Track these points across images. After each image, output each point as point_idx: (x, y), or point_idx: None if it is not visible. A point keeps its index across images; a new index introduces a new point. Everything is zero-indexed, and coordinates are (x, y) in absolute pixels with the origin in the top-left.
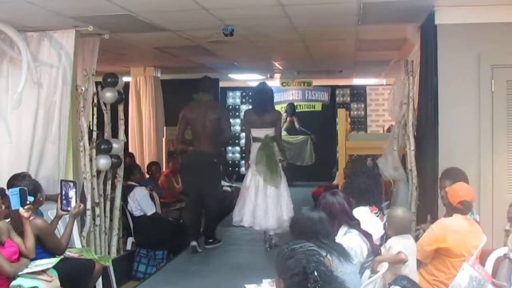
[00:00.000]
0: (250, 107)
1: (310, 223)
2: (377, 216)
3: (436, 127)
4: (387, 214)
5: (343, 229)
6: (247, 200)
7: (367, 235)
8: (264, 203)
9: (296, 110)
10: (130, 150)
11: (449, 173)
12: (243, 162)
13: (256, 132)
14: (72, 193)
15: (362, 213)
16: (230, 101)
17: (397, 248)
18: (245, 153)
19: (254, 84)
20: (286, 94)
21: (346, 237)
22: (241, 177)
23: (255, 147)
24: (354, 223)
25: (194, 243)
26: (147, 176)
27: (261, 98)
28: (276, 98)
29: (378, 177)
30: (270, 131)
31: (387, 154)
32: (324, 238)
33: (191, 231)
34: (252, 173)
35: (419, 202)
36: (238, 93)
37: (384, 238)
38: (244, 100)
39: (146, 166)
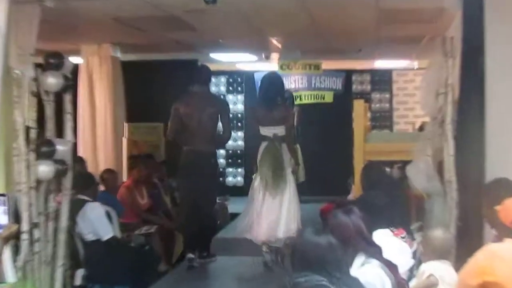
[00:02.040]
0: (257, 101)
1: (316, 250)
2: (405, 242)
3: (483, 125)
4: (424, 237)
5: (360, 259)
6: (251, 207)
7: (391, 267)
8: (267, 212)
9: (297, 102)
10: (80, 154)
11: (498, 185)
12: (229, 169)
13: (264, 131)
14: (1, 210)
15: (382, 237)
16: (212, 89)
17: (429, 272)
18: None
19: (244, 67)
20: (286, 81)
21: (363, 269)
22: (227, 190)
23: (262, 147)
24: (374, 251)
25: (191, 255)
26: (103, 188)
27: (270, 90)
28: None
29: (406, 191)
30: (279, 130)
31: (418, 160)
32: (335, 270)
33: (187, 242)
34: (257, 175)
35: (460, 223)
36: (223, 79)
37: (415, 267)
38: (231, 88)
39: (100, 176)
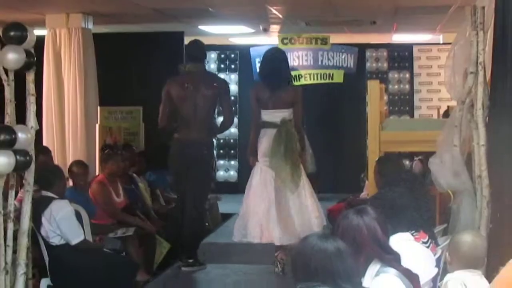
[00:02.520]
0: (258, 80)
1: (323, 257)
2: (428, 247)
3: None
4: (450, 242)
5: (374, 267)
6: (252, 205)
7: (410, 276)
8: (279, 209)
9: (301, 83)
10: (45, 144)
11: None
12: (221, 162)
13: (268, 115)
14: None
15: (401, 242)
16: None
17: (455, 285)
18: (250, 142)
19: (238, 41)
20: (288, 58)
21: (378, 280)
22: (218, 186)
23: (267, 135)
24: (390, 258)
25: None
26: (71, 184)
27: (274, 68)
28: None
29: (428, 188)
30: (287, 113)
31: (443, 151)
32: (344, 280)
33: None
34: (262, 168)
35: (492, 225)
36: (213, 55)
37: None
38: (223, 65)
39: (68, 169)
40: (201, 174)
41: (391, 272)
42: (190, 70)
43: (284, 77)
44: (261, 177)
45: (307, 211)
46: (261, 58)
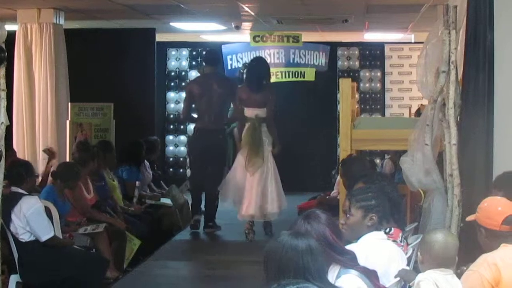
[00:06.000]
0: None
1: (294, 255)
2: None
3: (491, 109)
4: (422, 241)
5: (334, 269)
6: (231, 178)
7: (369, 274)
8: (248, 186)
9: (272, 80)
10: (15, 139)
11: (502, 180)
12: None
13: (247, 112)
14: None
15: (375, 241)
16: (172, 64)
17: (427, 285)
18: (238, 133)
19: (209, 38)
20: (259, 55)
21: (341, 282)
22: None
23: (245, 127)
24: (346, 259)
25: (197, 217)
26: (40, 179)
27: (256, 74)
28: (244, 60)
29: (400, 187)
30: (261, 111)
31: (415, 150)
32: (316, 278)
33: (194, 207)
34: (239, 152)
35: (462, 224)
36: (185, 52)
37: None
38: (194, 63)
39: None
40: (218, 155)
41: (353, 272)
42: (207, 72)
43: (261, 82)
44: (238, 160)
45: (269, 192)
46: (247, 66)
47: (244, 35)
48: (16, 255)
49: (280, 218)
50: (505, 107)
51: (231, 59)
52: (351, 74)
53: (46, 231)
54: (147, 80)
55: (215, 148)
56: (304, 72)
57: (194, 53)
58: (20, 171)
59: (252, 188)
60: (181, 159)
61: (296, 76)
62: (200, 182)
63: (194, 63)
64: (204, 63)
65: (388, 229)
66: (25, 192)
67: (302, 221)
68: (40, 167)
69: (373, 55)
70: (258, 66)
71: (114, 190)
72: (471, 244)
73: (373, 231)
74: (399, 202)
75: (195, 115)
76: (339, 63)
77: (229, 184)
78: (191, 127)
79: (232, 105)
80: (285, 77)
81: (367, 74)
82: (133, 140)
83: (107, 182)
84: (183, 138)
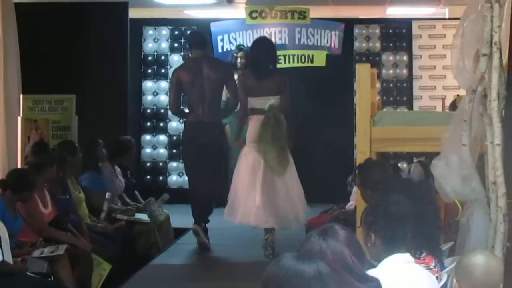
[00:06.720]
0: (247, 68)
1: (299, 282)
2: (430, 271)
3: None
4: (458, 264)
5: None
6: (240, 187)
7: None
8: (266, 193)
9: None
10: None
11: None
12: (174, 164)
13: (256, 102)
14: None
15: (396, 265)
16: (149, 46)
17: None
18: (237, 128)
19: (195, 14)
20: (257, 35)
21: None
22: (173, 197)
23: (255, 120)
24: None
25: (196, 227)
26: None
27: (262, 55)
28: (238, 41)
29: (432, 197)
30: (274, 100)
31: (450, 152)
32: None
33: (196, 214)
34: (250, 153)
35: (509, 244)
36: (165, 32)
37: None
38: (176, 44)
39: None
40: (216, 152)
41: None
42: (195, 56)
43: (269, 64)
44: (249, 161)
45: (293, 196)
46: (250, 46)
47: (238, 10)
48: None
49: (283, 235)
50: None
51: (222, 40)
52: (370, 58)
53: None
54: (118, 67)
55: (213, 145)
56: (312, 56)
57: (176, 32)
58: None
59: (277, 194)
60: (160, 164)
61: (303, 61)
62: (204, 188)
63: (176, 45)
64: (190, 47)
65: (418, 253)
66: None
67: (317, 237)
68: None
69: (398, 35)
70: (266, 47)
71: (80, 203)
72: None
73: (395, 254)
74: (424, 218)
75: (186, 110)
76: (356, 44)
77: (237, 199)
78: (173, 124)
79: (229, 94)
80: (289, 62)
81: (390, 58)
82: (89, 138)
83: (72, 194)
84: (162, 138)
